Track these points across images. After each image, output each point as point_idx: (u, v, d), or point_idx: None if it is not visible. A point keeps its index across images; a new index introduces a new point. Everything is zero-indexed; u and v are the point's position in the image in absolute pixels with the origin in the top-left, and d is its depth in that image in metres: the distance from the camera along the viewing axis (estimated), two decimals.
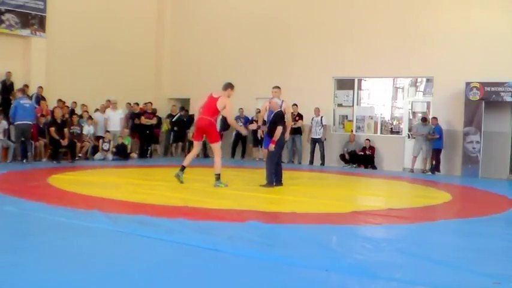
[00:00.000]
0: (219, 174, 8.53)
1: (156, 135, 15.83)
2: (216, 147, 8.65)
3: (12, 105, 12.03)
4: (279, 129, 8.52)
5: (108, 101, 14.82)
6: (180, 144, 16.21)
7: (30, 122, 12.00)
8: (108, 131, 14.05)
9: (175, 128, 15.88)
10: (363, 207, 7.33)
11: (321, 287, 3.51)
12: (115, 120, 14.52)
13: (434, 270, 3.94)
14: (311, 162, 14.77)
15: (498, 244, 5.13)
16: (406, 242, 5.05)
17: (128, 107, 15.55)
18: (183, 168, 8.54)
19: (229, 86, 8.65)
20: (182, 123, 15.89)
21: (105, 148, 13.80)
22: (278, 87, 9.14)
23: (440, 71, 13.62)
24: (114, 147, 13.95)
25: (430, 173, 13.30)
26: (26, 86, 13.81)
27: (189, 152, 14.94)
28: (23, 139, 11.92)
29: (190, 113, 15.97)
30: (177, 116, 15.96)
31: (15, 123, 11.80)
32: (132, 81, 16.78)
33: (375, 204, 7.61)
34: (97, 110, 14.87)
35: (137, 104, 15.69)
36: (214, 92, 8.66)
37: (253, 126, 11.26)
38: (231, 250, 4.26)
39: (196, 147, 8.82)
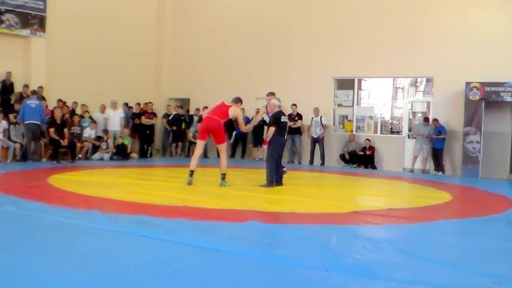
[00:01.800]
0: (225, 174, 8.64)
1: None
2: (223, 148, 8.85)
3: (20, 107, 12.23)
4: (271, 129, 8.70)
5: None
6: (180, 144, 16.16)
7: (38, 122, 12.11)
8: (106, 130, 14.04)
9: (174, 128, 15.83)
10: (363, 207, 7.33)
11: (321, 287, 3.52)
12: (115, 120, 14.52)
13: (434, 270, 3.94)
14: (311, 162, 14.76)
15: (498, 244, 5.12)
16: (406, 242, 5.06)
17: (124, 107, 15.40)
18: (191, 173, 8.53)
19: (240, 100, 8.95)
20: (180, 122, 15.83)
21: (103, 147, 13.80)
22: (272, 93, 9.29)
23: (440, 71, 13.62)
24: (114, 148, 13.95)
25: (440, 173, 13.21)
26: (26, 86, 13.83)
27: (188, 152, 15.08)
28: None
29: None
30: (172, 115, 15.93)
31: (24, 123, 11.97)
32: (132, 81, 16.77)
33: (375, 204, 7.60)
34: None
35: (139, 104, 15.66)
36: (226, 101, 8.92)
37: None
38: (231, 250, 4.26)
39: (200, 146, 8.83)
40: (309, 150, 14.89)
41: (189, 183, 8.46)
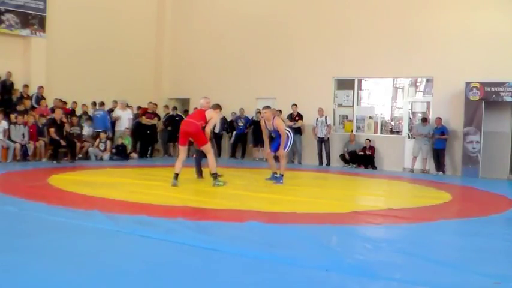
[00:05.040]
0: (216, 173, 8.60)
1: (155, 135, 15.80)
2: (207, 149, 8.69)
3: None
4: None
5: (115, 101, 14.89)
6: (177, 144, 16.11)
7: (101, 130, 13.87)
8: (104, 131, 14.01)
9: (169, 128, 15.80)
10: (363, 207, 7.33)
11: (321, 287, 3.52)
12: (124, 120, 14.56)
13: (434, 270, 3.94)
14: (320, 162, 14.69)
15: (498, 244, 5.12)
16: (406, 242, 5.05)
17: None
18: (176, 176, 8.47)
19: (219, 107, 9.16)
20: (175, 122, 15.81)
21: (101, 148, 13.76)
22: (268, 107, 9.74)
23: (440, 71, 13.62)
24: (114, 148, 13.94)
25: (440, 173, 13.23)
26: (26, 86, 13.83)
27: (188, 152, 14.97)
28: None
29: None
30: (166, 116, 15.92)
31: (94, 130, 13.96)
32: (132, 81, 16.77)
33: (375, 204, 7.60)
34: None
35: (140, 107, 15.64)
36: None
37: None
38: (231, 250, 4.26)
39: (183, 152, 8.69)
40: (310, 150, 14.88)
41: (174, 185, 8.33)
